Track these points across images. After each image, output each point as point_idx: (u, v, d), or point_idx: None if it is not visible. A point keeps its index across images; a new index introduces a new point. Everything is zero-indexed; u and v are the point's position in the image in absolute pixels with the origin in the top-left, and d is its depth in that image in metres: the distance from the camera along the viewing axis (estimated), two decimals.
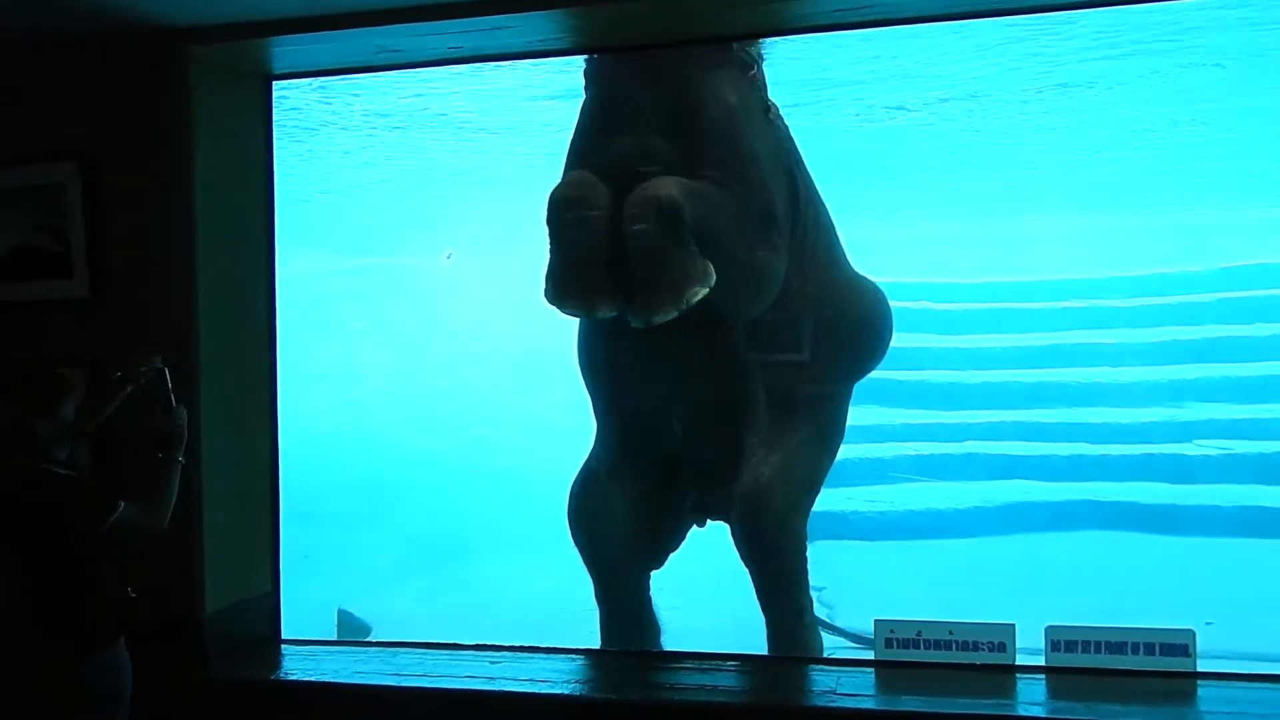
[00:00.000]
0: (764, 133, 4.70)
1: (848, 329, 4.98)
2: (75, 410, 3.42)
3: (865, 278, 5.24)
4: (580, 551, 4.94)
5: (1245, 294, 12.09)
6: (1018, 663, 3.97)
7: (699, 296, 4.26)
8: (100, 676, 3.33)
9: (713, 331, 4.58)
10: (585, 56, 4.75)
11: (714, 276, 4.28)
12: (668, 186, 4.27)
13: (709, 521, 5.11)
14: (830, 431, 5.03)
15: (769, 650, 4.67)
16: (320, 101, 7.47)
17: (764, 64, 4.87)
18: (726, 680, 4.00)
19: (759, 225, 4.53)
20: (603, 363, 4.86)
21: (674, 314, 4.24)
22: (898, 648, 4.05)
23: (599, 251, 4.30)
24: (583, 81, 4.79)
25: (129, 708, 3.41)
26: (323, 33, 4.01)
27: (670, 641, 5.09)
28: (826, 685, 3.89)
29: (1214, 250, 12.78)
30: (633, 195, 4.28)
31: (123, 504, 3.31)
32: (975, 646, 3.99)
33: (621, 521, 4.83)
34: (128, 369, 3.52)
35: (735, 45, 4.59)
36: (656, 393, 4.77)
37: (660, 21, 4.14)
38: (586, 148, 4.61)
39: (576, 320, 4.80)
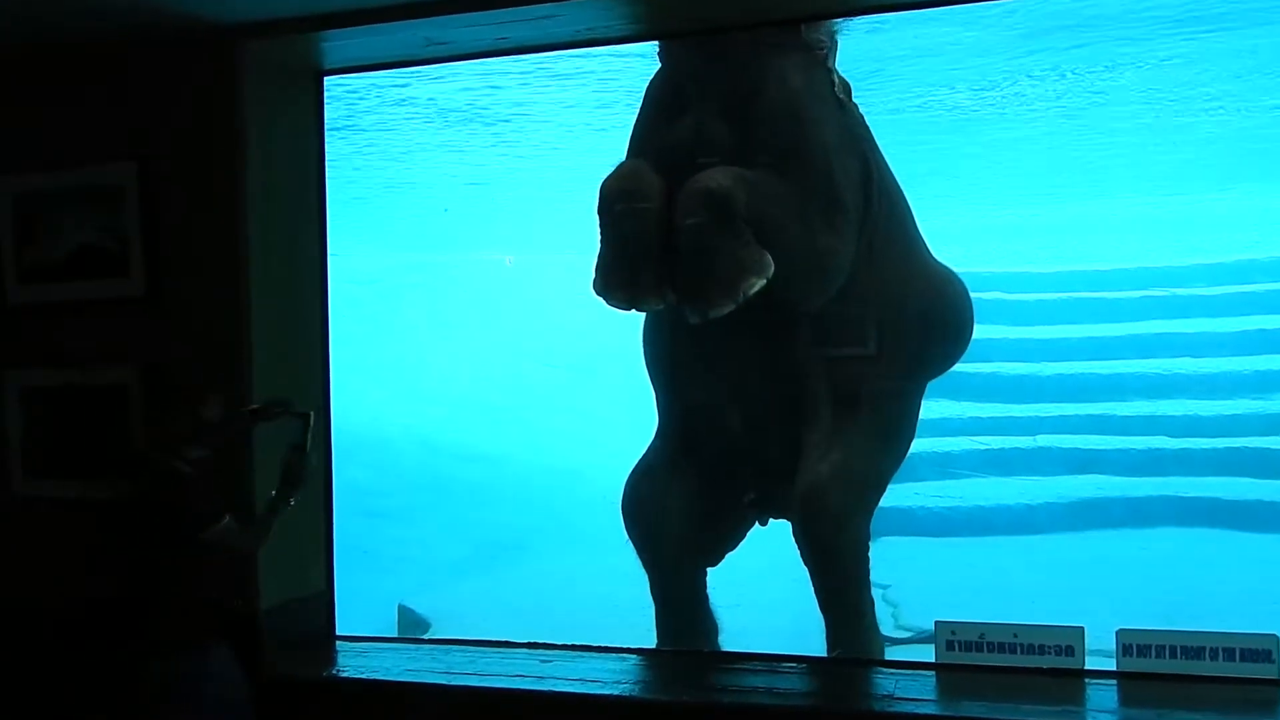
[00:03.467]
0: (832, 117, 4.56)
1: (919, 324, 4.76)
2: (214, 418, 3.54)
3: (947, 271, 4.98)
4: (635, 546, 4.86)
5: None
6: (1087, 667, 3.80)
7: (755, 288, 4.17)
8: (203, 677, 3.37)
9: (776, 325, 4.48)
10: None
11: (772, 267, 4.18)
12: (720, 177, 4.18)
13: (771, 520, 5.01)
14: (897, 430, 4.85)
15: (828, 652, 4.55)
16: (384, 97, 7.52)
17: (835, 44, 4.73)
18: (782, 682, 3.89)
19: (822, 213, 4.39)
20: (665, 355, 4.79)
21: (730, 307, 4.16)
22: (959, 650, 3.91)
23: (648, 244, 4.24)
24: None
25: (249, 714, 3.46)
26: (371, 25, 3.99)
27: (728, 640, 5.00)
28: (885, 689, 3.77)
29: None
30: (685, 187, 4.21)
31: (228, 518, 3.37)
32: (1041, 650, 3.83)
33: (678, 516, 4.73)
34: (266, 408, 3.75)
35: (802, 26, 4.46)
36: (717, 386, 4.69)
37: (714, 4, 4.04)
38: (645, 134, 4.55)
39: (636, 315, 4.73)
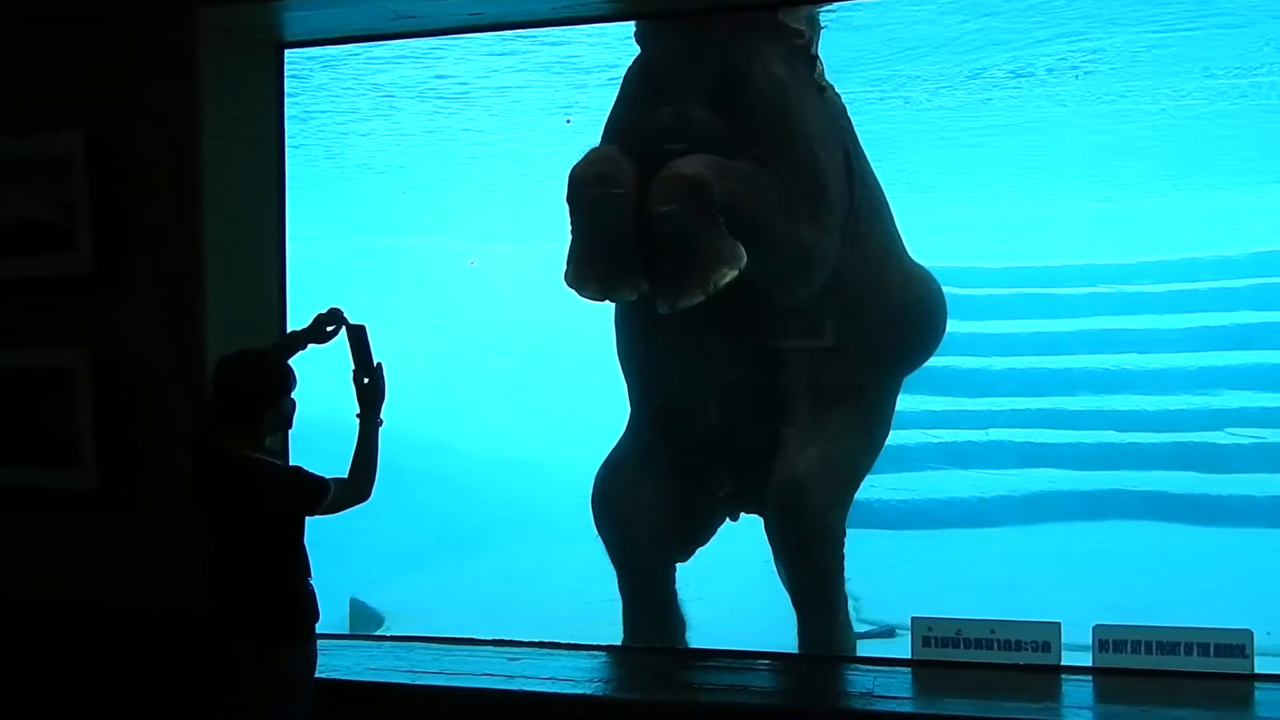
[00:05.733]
0: (816, 108, 4.47)
1: (895, 320, 4.71)
2: (290, 410, 3.33)
3: (921, 268, 4.98)
4: (605, 542, 4.75)
5: None
6: (1063, 663, 3.79)
7: (727, 279, 4.05)
8: (304, 664, 3.25)
9: (754, 317, 4.39)
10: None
11: (744, 258, 4.08)
12: (694, 165, 4.07)
13: (742, 515, 4.93)
14: (873, 424, 4.79)
15: (799, 648, 4.48)
16: (341, 73, 7.32)
17: (818, 32, 4.63)
18: (758, 680, 3.84)
19: (806, 204, 4.29)
20: (638, 347, 4.67)
21: (701, 298, 4.05)
22: (936, 646, 3.86)
23: (621, 232, 4.10)
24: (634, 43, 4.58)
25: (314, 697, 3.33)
26: None
27: (693, 635, 4.92)
28: (863, 687, 3.72)
29: (1247, 234, 12.55)
30: (659, 174, 4.08)
31: (333, 483, 3.20)
32: (1019, 646, 3.81)
33: (651, 513, 4.62)
34: (315, 327, 3.47)
35: (786, 13, 4.35)
36: (692, 379, 4.58)
37: None
38: (623, 120, 4.42)
39: (597, 304, 4.59)
